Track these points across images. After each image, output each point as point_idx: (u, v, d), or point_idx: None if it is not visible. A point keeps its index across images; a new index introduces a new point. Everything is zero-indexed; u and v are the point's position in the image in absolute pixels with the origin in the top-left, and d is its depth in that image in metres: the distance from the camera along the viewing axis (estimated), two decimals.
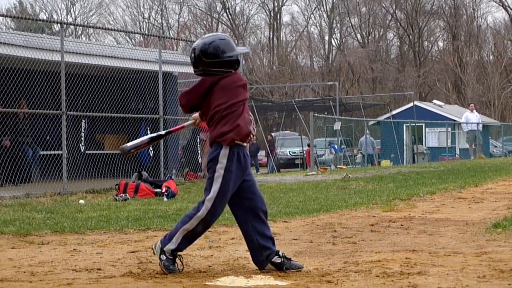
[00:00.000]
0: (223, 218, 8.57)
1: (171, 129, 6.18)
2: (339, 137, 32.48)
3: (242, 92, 5.54)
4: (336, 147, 34.42)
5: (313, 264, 5.91)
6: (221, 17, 64.67)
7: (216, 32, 62.54)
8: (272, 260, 5.56)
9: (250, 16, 66.12)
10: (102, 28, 54.26)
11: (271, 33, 64.22)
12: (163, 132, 6.10)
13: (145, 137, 5.99)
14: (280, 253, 5.59)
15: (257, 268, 5.63)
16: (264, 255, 5.57)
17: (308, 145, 34.34)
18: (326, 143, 35.53)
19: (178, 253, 5.58)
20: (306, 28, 65.69)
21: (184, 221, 5.55)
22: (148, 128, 18.82)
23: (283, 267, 5.53)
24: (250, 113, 5.63)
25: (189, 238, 5.57)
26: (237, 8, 66.03)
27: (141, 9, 65.37)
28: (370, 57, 61.82)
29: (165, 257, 5.53)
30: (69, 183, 14.31)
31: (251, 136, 5.57)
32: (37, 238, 7.74)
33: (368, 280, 5.15)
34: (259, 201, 5.63)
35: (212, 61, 5.49)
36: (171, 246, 5.53)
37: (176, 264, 5.54)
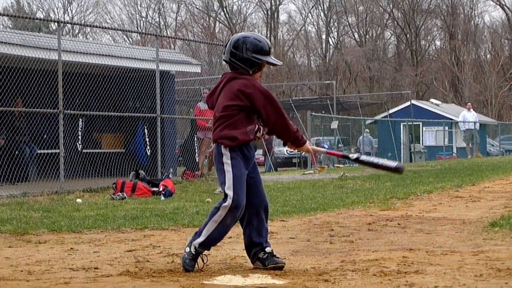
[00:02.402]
0: None
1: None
2: (336, 136, 32.49)
3: (240, 98, 5.57)
4: (326, 146, 34.42)
5: (310, 263, 5.91)
6: (219, 16, 64.69)
7: (214, 31, 62.64)
8: (258, 256, 5.66)
9: (247, 15, 66.17)
10: (99, 27, 54.32)
11: (268, 32, 64.20)
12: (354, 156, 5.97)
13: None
14: (267, 250, 5.64)
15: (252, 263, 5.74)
16: (252, 251, 5.69)
17: (316, 145, 34.38)
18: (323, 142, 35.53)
19: (204, 253, 5.58)
20: (303, 27, 65.75)
21: (212, 213, 5.58)
22: (145, 127, 18.82)
23: (266, 263, 5.60)
24: (258, 120, 5.64)
25: (219, 231, 5.56)
26: (234, 7, 66.08)
27: (139, 7, 65.36)
28: (367, 56, 61.82)
29: (188, 250, 5.55)
30: (66, 182, 14.30)
31: (255, 139, 5.64)
32: (34, 237, 7.74)
33: (365, 279, 5.16)
34: (262, 199, 5.70)
35: (236, 53, 5.67)
36: (200, 239, 5.55)
37: (196, 263, 5.54)
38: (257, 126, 5.65)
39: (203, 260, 5.59)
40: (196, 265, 5.56)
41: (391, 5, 63.61)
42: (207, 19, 64.85)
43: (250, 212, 5.68)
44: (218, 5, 63.98)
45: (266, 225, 5.74)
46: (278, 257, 5.67)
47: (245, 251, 5.82)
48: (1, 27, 46.94)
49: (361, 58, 61.44)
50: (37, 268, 5.79)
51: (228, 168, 5.54)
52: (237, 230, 7.83)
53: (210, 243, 5.59)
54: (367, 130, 35.83)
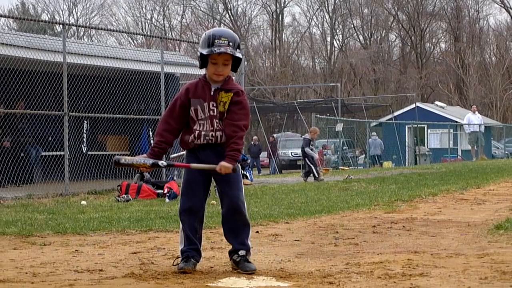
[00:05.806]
0: None
1: (174, 163, 5.86)
2: (341, 138, 32.49)
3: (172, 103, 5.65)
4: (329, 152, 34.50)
5: (315, 265, 5.91)
6: (223, 18, 64.76)
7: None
8: (232, 258, 5.67)
9: (252, 17, 66.26)
10: (104, 29, 54.26)
11: (273, 34, 64.24)
12: (163, 163, 5.58)
13: (145, 161, 5.54)
14: (240, 253, 5.61)
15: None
16: (229, 252, 5.72)
17: (323, 147, 34.45)
18: (329, 144, 35.57)
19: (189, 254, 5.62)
20: (308, 29, 65.79)
21: None
22: (150, 129, 18.83)
23: (238, 266, 5.59)
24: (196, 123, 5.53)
25: (184, 231, 5.61)
26: (239, 9, 66.19)
27: (144, 10, 65.51)
28: (372, 58, 61.85)
29: (179, 259, 5.63)
30: (71, 184, 14.32)
31: (192, 143, 5.56)
32: (39, 239, 7.74)
33: (370, 282, 5.15)
34: (228, 202, 5.60)
35: None
36: (179, 247, 5.68)
37: (192, 262, 5.57)
38: (196, 132, 5.56)
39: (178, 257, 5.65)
40: (195, 266, 5.60)
41: (396, 8, 63.62)
42: (212, 21, 64.91)
43: (223, 213, 5.70)
44: (223, 7, 64.08)
45: (244, 227, 5.64)
46: (250, 262, 5.61)
47: None
48: (7, 29, 47.04)
49: (366, 61, 61.46)
50: (42, 270, 5.79)
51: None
52: None
53: (186, 247, 5.62)
54: (374, 133, 35.82)
